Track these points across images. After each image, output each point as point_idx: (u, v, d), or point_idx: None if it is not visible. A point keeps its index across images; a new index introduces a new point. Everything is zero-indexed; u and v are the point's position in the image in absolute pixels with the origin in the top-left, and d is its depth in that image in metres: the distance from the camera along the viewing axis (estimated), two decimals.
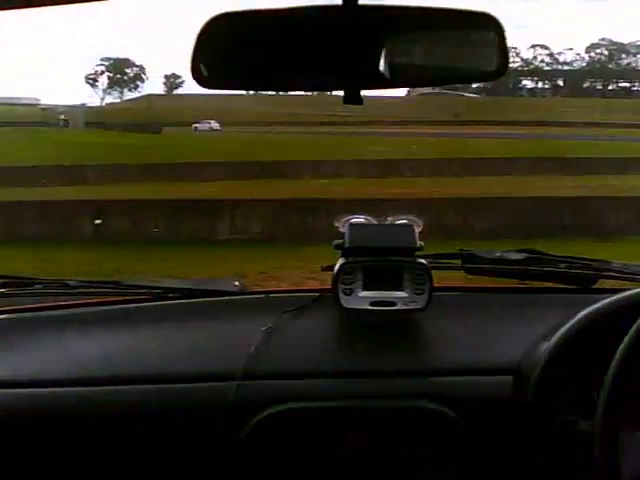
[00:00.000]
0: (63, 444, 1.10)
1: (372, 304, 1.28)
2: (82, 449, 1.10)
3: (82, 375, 1.16)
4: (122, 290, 1.44)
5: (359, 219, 1.37)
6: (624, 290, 1.14)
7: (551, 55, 75.19)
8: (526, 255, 1.50)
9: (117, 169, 16.85)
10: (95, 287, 1.45)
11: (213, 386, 1.12)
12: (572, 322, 1.09)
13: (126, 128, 31.16)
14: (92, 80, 69.01)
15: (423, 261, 1.30)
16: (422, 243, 1.31)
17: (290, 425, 1.10)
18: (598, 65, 71.97)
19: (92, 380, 1.15)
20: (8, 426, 1.10)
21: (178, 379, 1.14)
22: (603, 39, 74.67)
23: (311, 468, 1.09)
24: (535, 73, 73.61)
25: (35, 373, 1.16)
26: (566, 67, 74.91)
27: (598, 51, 74.03)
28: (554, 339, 1.08)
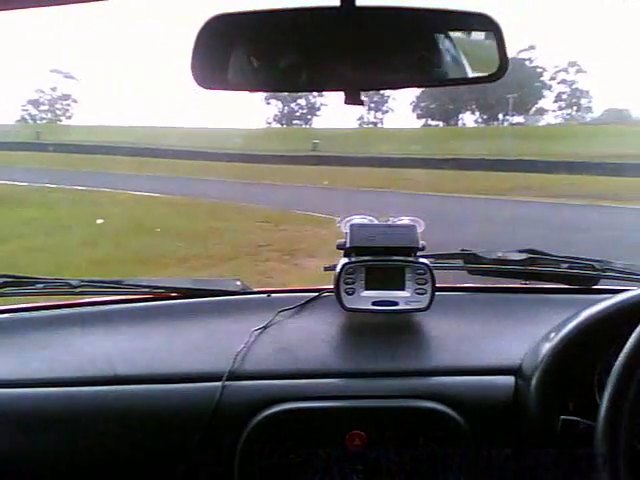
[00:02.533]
0: (63, 444, 1.10)
1: (374, 304, 1.28)
2: (82, 449, 1.10)
3: (82, 375, 1.16)
4: (123, 289, 1.44)
5: (361, 219, 1.37)
6: (625, 290, 1.14)
7: None
8: (528, 255, 1.51)
9: None
10: (96, 286, 1.45)
11: (214, 386, 1.12)
12: (574, 322, 1.09)
13: None
14: None
15: (425, 261, 1.30)
16: (424, 243, 1.31)
17: (290, 425, 1.10)
18: None
19: (92, 380, 1.15)
20: (8, 426, 1.10)
21: (178, 379, 1.14)
22: None
23: (311, 469, 1.09)
24: None
25: (35, 373, 1.16)
26: None
27: None
28: (556, 339, 1.08)
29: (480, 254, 1.53)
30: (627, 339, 0.90)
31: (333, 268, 1.33)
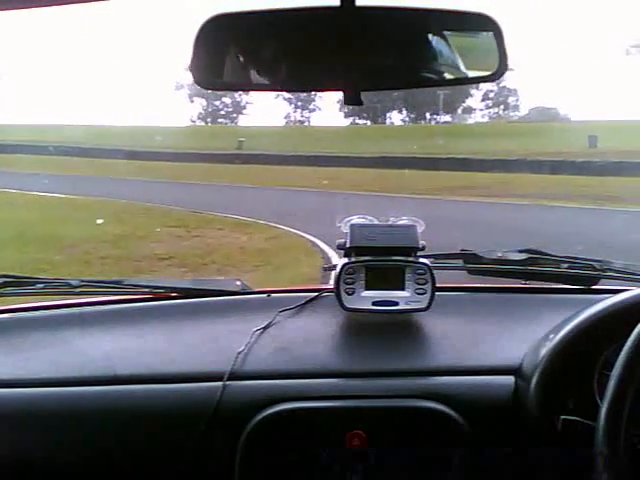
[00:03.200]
0: (63, 444, 1.10)
1: (374, 304, 1.28)
2: (81, 449, 1.10)
3: (82, 375, 1.16)
4: (123, 290, 1.44)
5: (361, 219, 1.37)
6: (625, 290, 1.14)
7: None
8: (528, 255, 1.51)
9: None
10: (96, 287, 1.45)
11: (214, 386, 1.12)
12: (574, 322, 1.09)
13: None
14: None
15: (425, 261, 1.30)
16: (424, 243, 1.31)
17: (290, 425, 1.10)
18: None
19: (92, 380, 1.15)
20: (9, 426, 1.10)
21: (178, 379, 1.14)
22: None
23: (311, 469, 1.09)
24: None
25: (35, 373, 1.16)
26: None
27: None
28: (556, 339, 1.08)
29: (480, 254, 1.53)
30: (627, 339, 0.90)
31: (333, 268, 1.33)
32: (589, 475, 0.88)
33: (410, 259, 1.29)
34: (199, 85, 0.86)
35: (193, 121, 55.43)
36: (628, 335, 0.90)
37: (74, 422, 1.10)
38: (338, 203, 11.73)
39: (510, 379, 1.14)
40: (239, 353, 1.18)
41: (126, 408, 1.12)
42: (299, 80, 0.91)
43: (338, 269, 1.30)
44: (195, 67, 0.85)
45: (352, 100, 0.84)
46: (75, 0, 0.84)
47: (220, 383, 1.11)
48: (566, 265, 1.50)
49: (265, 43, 0.87)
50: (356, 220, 1.36)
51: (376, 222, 1.37)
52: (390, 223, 1.37)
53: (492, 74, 0.88)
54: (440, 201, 13.50)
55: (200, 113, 55.53)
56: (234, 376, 1.13)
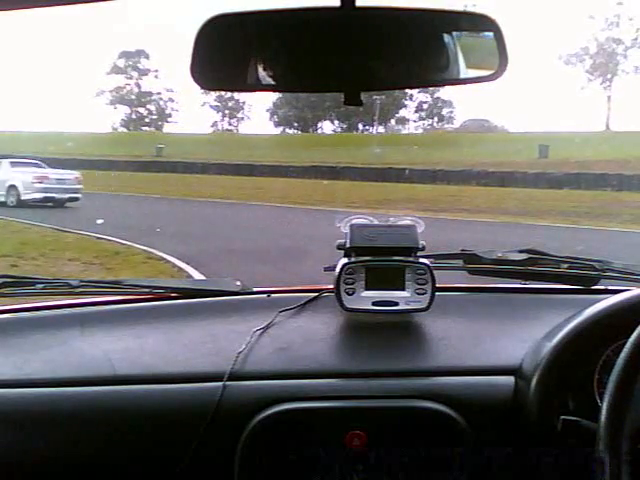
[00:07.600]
0: (63, 444, 1.10)
1: (374, 304, 1.28)
2: (81, 449, 1.10)
3: (82, 375, 1.16)
4: (123, 290, 1.44)
5: (361, 219, 1.37)
6: (625, 290, 1.14)
7: None
8: (528, 255, 1.51)
9: None
10: (96, 286, 1.45)
11: (215, 386, 1.12)
12: (574, 322, 1.09)
13: None
14: None
15: (425, 261, 1.30)
16: (424, 243, 1.31)
17: (290, 425, 1.10)
18: None
19: (92, 380, 1.15)
20: (8, 426, 1.10)
21: (178, 379, 1.14)
22: None
23: (311, 469, 1.09)
24: None
25: (35, 373, 1.16)
26: None
27: None
28: (556, 339, 1.08)
29: (480, 254, 1.53)
30: (627, 339, 0.90)
31: (333, 268, 1.33)
32: (589, 475, 0.88)
33: (410, 259, 1.29)
34: (198, 85, 0.86)
35: (115, 128, 54.06)
36: (628, 335, 0.90)
37: (74, 422, 1.11)
38: (261, 220, 10.17)
39: (510, 379, 1.14)
40: (239, 353, 1.18)
41: (126, 408, 1.12)
42: (298, 80, 0.91)
43: (338, 269, 1.30)
44: (195, 68, 0.85)
45: (352, 100, 0.85)
46: (75, 0, 0.84)
47: (220, 383, 1.12)
48: (566, 265, 1.50)
49: (265, 43, 0.87)
50: (356, 220, 1.36)
51: (376, 222, 1.37)
52: (390, 223, 1.37)
53: (492, 74, 0.88)
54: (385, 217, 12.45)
55: (123, 120, 54.46)
56: (234, 376, 1.13)
